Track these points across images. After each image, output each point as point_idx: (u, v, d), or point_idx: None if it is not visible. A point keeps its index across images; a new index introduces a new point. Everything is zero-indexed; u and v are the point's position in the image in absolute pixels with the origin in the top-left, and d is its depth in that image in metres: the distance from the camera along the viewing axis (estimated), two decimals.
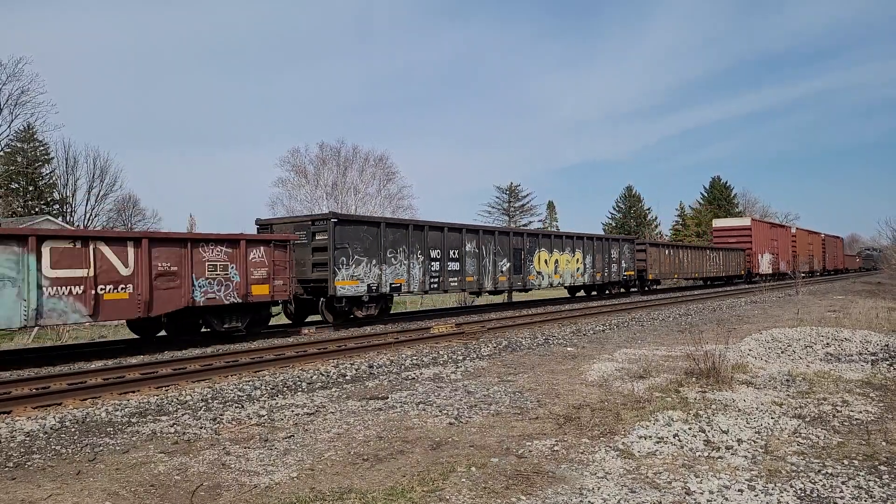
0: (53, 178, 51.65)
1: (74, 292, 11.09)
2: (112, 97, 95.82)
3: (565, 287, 27.18)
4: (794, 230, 53.14)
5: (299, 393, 8.35)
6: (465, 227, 20.57)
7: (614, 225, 78.54)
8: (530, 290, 23.75)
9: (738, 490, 4.41)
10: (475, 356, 11.28)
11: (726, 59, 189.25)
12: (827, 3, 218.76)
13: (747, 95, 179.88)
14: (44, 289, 10.72)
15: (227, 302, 13.34)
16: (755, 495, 4.31)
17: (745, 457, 5.16)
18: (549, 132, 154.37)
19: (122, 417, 7.12)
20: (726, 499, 4.27)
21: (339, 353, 11.62)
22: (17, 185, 48.80)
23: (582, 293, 29.72)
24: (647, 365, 9.48)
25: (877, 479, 4.59)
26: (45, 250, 10.81)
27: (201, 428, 6.51)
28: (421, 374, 9.51)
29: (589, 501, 4.27)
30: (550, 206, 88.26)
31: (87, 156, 64.64)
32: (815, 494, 4.34)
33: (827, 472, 4.74)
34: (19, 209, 46.37)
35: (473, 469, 4.98)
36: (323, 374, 9.57)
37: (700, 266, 37.29)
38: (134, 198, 57.51)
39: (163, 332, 14.10)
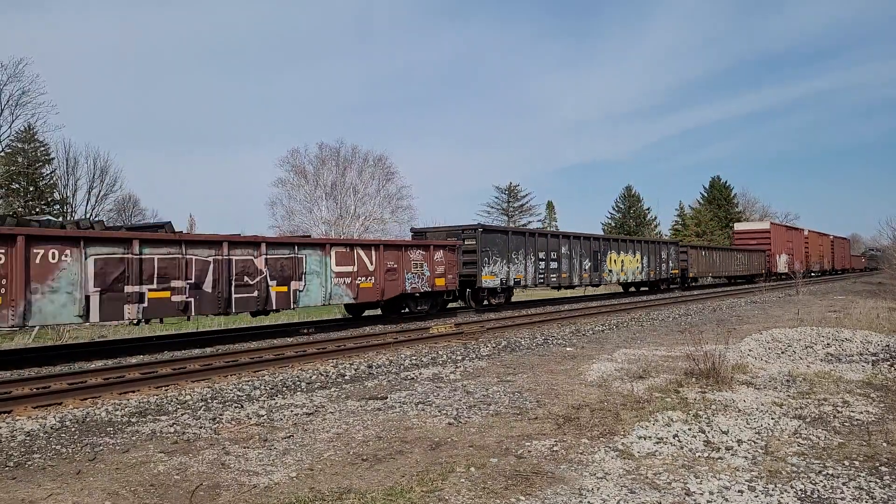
0: (54, 179, 51.56)
1: (346, 282, 15.55)
2: (112, 97, 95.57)
3: (623, 284, 31.17)
4: (806, 232, 55.40)
5: (298, 393, 8.35)
6: (560, 233, 25.81)
7: (613, 225, 78.30)
8: (601, 285, 28.27)
9: (738, 491, 4.40)
10: (474, 356, 11.28)
11: (726, 59, 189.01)
12: (827, 3, 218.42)
13: (747, 95, 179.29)
14: (332, 279, 15.11)
15: (422, 290, 17.75)
16: (755, 496, 4.31)
17: (746, 457, 5.15)
18: (548, 132, 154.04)
19: (122, 417, 7.12)
20: (726, 499, 4.26)
21: (338, 352, 11.62)
22: (17, 186, 48.80)
23: (633, 289, 33.93)
24: (647, 365, 9.48)
25: (878, 480, 4.59)
26: (332, 253, 15.18)
27: (201, 428, 6.51)
28: (420, 374, 9.50)
29: (588, 502, 4.26)
30: (550, 206, 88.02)
31: (88, 156, 64.43)
32: (815, 495, 4.33)
33: (827, 473, 4.74)
34: (20, 209, 46.37)
35: (472, 469, 4.97)
36: (322, 374, 9.57)
37: (729, 266, 41.71)
38: (134, 198, 57.40)
39: (367, 313, 18.83)
